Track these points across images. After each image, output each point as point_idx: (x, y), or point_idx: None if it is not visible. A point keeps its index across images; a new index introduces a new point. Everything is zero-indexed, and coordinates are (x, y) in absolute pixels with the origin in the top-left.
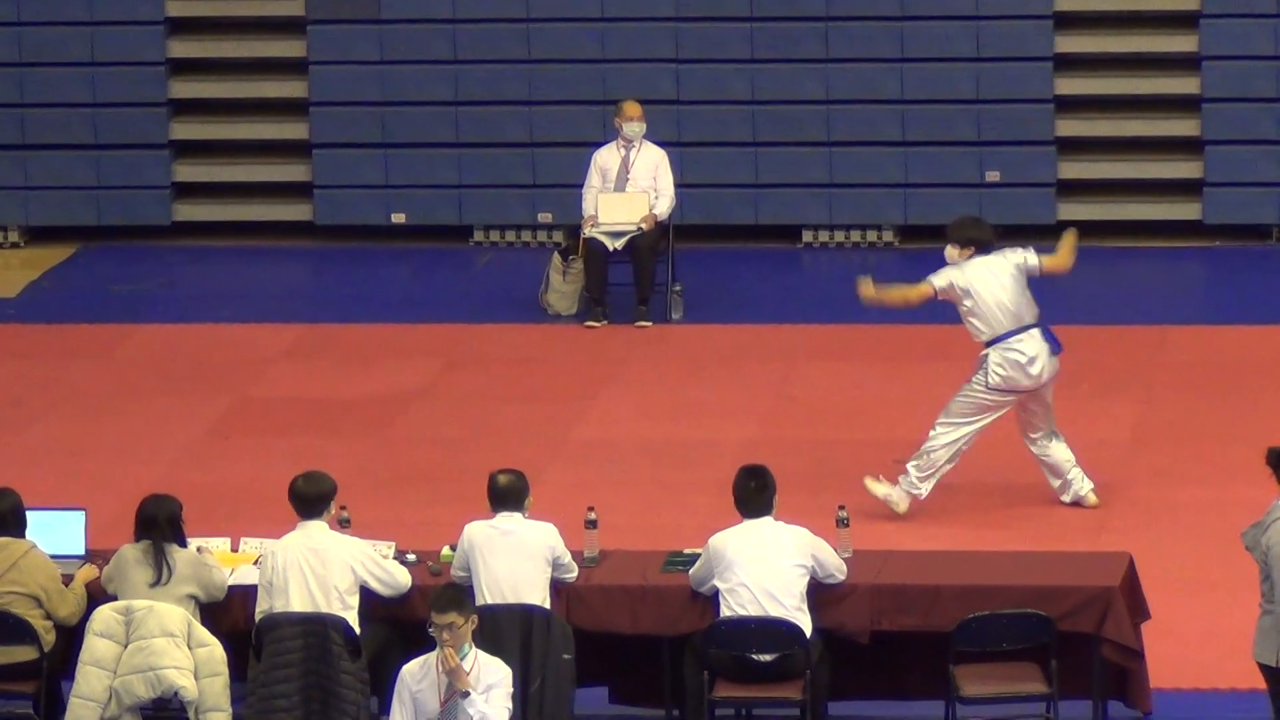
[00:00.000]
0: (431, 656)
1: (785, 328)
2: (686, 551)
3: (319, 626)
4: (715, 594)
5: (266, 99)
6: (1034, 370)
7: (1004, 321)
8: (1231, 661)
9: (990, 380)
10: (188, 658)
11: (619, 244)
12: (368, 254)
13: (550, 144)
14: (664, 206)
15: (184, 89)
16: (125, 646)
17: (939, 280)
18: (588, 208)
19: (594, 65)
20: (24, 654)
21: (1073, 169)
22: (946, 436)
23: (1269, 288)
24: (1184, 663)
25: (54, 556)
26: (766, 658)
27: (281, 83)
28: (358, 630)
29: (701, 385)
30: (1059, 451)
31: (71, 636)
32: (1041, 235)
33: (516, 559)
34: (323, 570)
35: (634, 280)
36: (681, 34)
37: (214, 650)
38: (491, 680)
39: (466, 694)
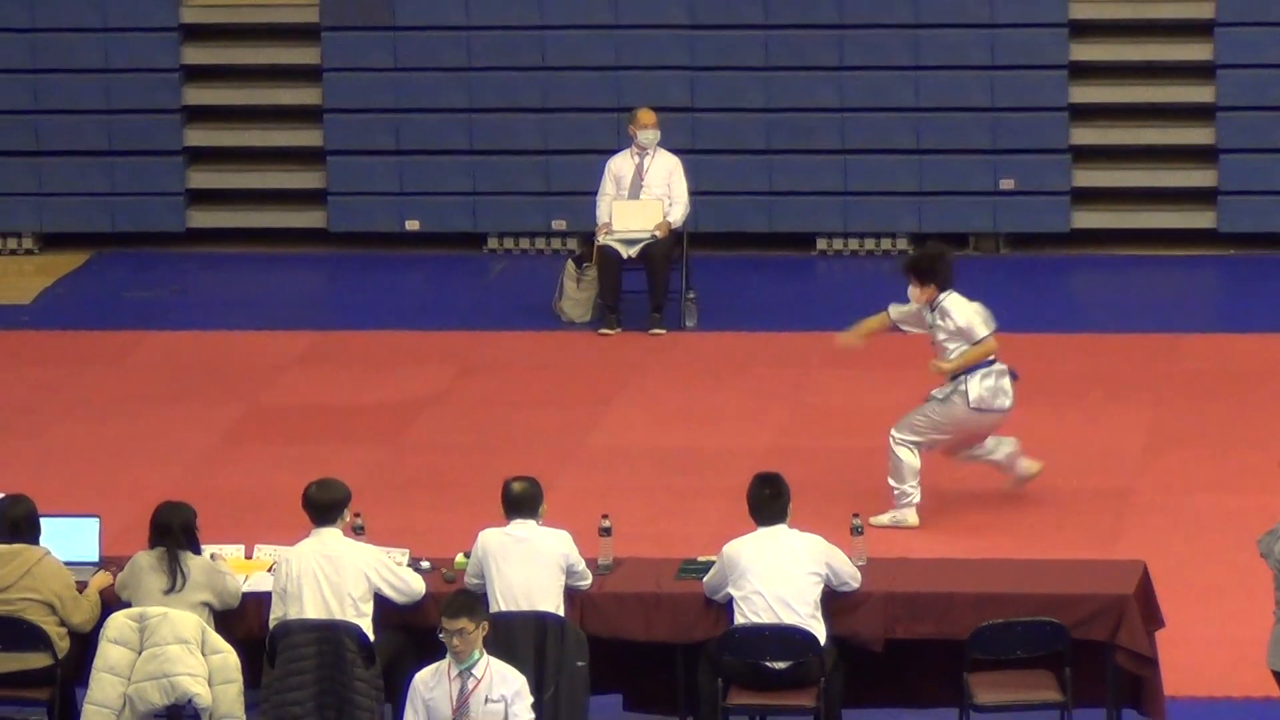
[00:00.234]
0: (444, 663)
1: (799, 335)
2: (700, 559)
3: (333, 633)
4: (729, 601)
5: (280, 106)
6: (1009, 401)
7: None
8: (1245, 669)
9: (972, 397)
10: (202, 664)
11: (633, 251)
12: (381, 261)
13: (564, 151)
14: (678, 214)
15: (198, 95)
16: (139, 653)
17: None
18: (602, 215)
19: (608, 72)
20: (38, 660)
21: (1087, 177)
22: (909, 450)
23: None
24: (1198, 671)
25: (68, 563)
26: (780, 665)
27: (295, 89)
28: (371, 637)
29: (715, 392)
30: (995, 446)
31: (86, 643)
32: (1055, 243)
33: (530, 566)
34: (337, 577)
35: (648, 288)
36: (696, 42)
37: (228, 657)
38: (506, 690)
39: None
